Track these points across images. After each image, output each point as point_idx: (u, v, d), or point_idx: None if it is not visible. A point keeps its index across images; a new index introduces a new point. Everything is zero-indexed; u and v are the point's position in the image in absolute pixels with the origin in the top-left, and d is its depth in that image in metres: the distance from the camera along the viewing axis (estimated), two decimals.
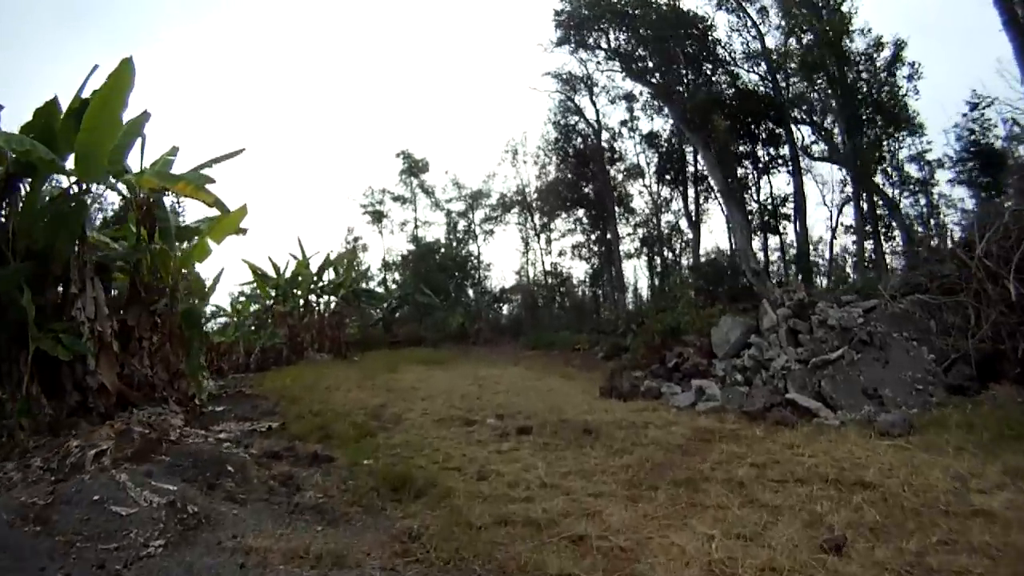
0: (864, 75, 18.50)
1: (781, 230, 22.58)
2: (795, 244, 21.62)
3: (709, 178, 22.13)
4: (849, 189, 20.66)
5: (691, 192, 24.18)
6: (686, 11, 21.00)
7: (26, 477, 4.92)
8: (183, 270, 9.54)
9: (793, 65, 20.15)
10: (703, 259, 22.67)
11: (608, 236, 25.85)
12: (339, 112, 52.07)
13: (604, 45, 22.69)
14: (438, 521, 3.80)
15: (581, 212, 27.24)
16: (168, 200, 21.75)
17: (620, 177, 26.70)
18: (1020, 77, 12.09)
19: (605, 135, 25.96)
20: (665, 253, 26.38)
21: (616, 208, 25.65)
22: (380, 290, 27.73)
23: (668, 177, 25.14)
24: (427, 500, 4.21)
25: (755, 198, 22.47)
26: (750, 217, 21.36)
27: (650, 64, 21.88)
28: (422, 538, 3.56)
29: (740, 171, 22.19)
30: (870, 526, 3.64)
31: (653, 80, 21.83)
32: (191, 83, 51.66)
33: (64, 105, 7.64)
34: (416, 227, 29.78)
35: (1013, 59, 12.01)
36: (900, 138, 18.69)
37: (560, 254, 28.45)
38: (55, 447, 5.61)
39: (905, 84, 18.07)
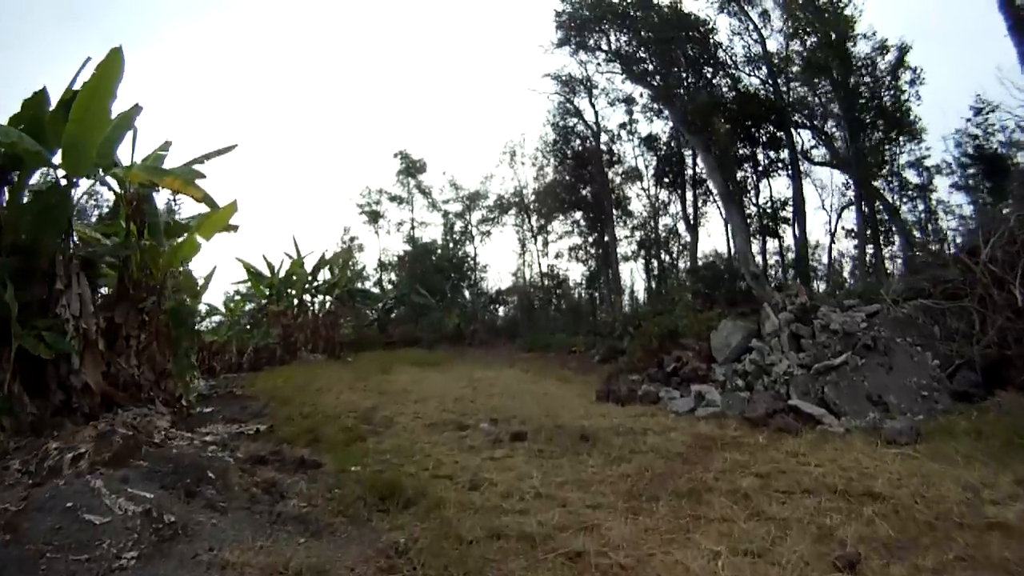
0: (867, 79, 18.40)
1: (780, 234, 22.51)
2: (793, 248, 21.58)
3: (708, 181, 22.06)
4: (849, 194, 20.65)
5: (689, 195, 24.12)
6: (687, 14, 20.99)
7: (2, 480, 4.74)
8: (172, 267, 9.30)
9: (795, 69, 20.11)
10: (701, 262, 22.58)
11: (605, 238, 25.75)
12: (337, 112, 51.94)
13: (605, 47, 22.65)
14: (427, 534, 3.58)
15: (579, 214, 27.21)
16: (165, 197, 21.75)
17: (618, 180, 26.69)
18: None
19: (604, 137, 25.95)
20: (662, 256, 26.32)
21: (614, 211, 25.55)
22: (376, 290, 27.57)
23: (666, 180, 25.09)
24: (416, 511, 3.99)
25: (754, 201, 22.38)
26: (749, 221, 21.25)
27: (650, 67, 21.79)
28: (409, 553, 3.35)
29: (740, 174, 22.09)
30: (883, 541, 3.47)
31: (654, 82, 21.72)
32: (191, 83, 51.52)
33: (57, 98, 7.48)
34: (413, 228, 29.75)
35: (1017, 65, 11.92)
36: (901, 143, 18.64)
37: (557, 256, 28.46)
38: (36, 448, 5.42)
39: (908, 89, 18.08)
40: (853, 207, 21.24)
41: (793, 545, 3.36)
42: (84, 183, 8.14)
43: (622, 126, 25.86)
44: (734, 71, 21.45)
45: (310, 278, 21.47)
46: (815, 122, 20.43)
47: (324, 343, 19.99)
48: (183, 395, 8.82)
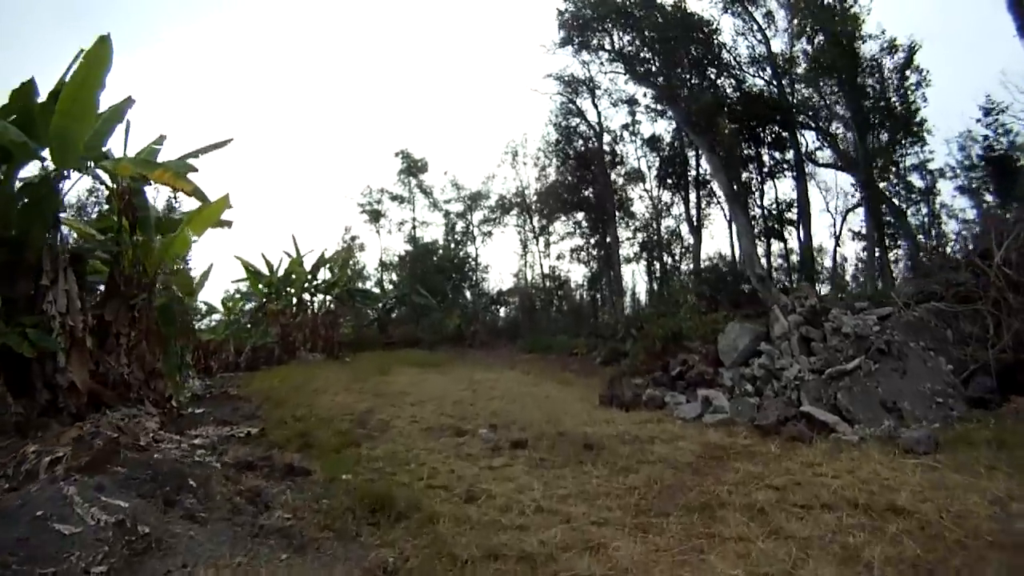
0: (873, 79, 18.15)
1: (785, 236, 22.26)
2: (798, 250, 21.35)
3: (713, 182, 21.83)
4: (853, 197, 20.46)
5: (692, 197, 23.87)
6: (691, 14, 20.70)
7: None
8: (163, 263, 9.05)
9: (799, 70, 19.88)
10: (704, 265, 22.34)
11: (607, 240, 25.50)
12: (339, 111, 51.69)
13: (608, 46, 22.38)
14: (418, 552, 3.32)
15: (580, 215, 26.93)
16: (166, 194, 21.58)
17: (621, 181, 26.40)
18: None
19: (606, 138, 25.70)
20: (664, 258, 26.06)
21: (616, 212, 25.30)
22: (376, 290, 27.36)
23: (669, 181, 24.85)
24: (408, 525, 3.72)
25: (759, 203, 22.14)
26: (753, 223, 21.00)
27: (654, 67, 21.53)
28: (399, 573, 3.09)
29: (744, 175, 21.84)
30: (912, 562, 3.23)
31: (657, 82, 21.49)
32: (192, 82, 51.37)
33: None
34: (414, 227, 29.43)
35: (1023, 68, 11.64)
36: (907, 145, 18.42)
37: (559, 257, 28.15)
38: (17, 450, 5.17)
39: (914, 91, 17.82)
40: (858, 210, 21.15)
41: (817, 568, 3.10)
42: (81, 179, 8.06)
43: (625, 127, 25.71)
44: (738, 72, 21.22)
45: (309, 277, 21.25)
46: (820, 123, 20.16)
47: (323, 343, 19.75)
48: (173, 396, 8.55)
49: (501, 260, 58.40)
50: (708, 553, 3.34)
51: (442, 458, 5.61)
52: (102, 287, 8.78)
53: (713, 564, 3.19)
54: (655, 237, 25.83)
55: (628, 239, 26.50)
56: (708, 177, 22.93)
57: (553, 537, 3.55)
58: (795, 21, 19.37)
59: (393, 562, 3.23)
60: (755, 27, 20.43)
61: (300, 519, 3.86)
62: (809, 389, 7.41)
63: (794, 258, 21.98)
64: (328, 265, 22.23)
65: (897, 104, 17.77)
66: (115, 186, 8.38)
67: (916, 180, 19.37)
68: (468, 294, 29.34)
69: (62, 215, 9.03)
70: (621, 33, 21.85)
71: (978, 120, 15.85)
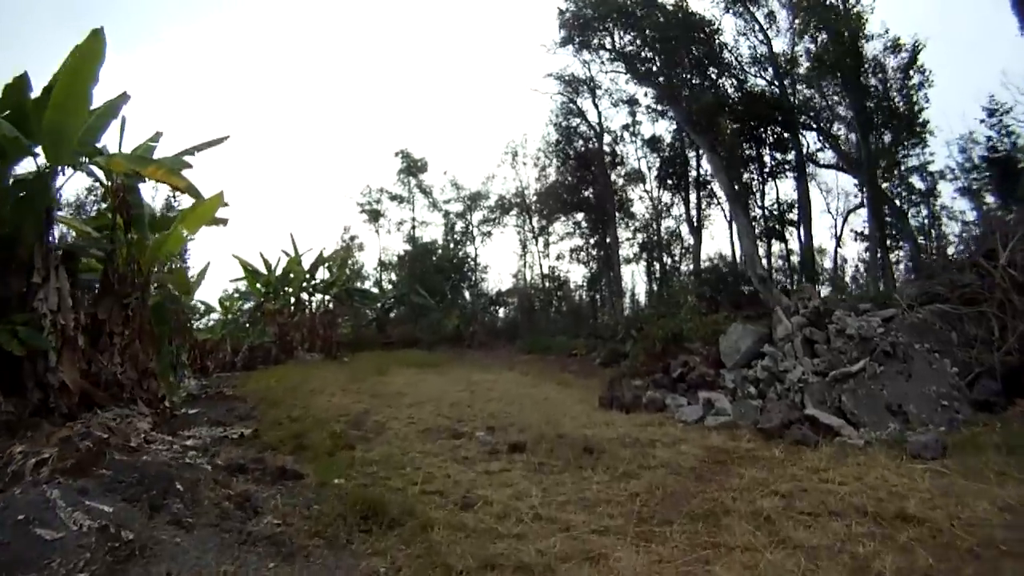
0: (876, 80, 18.05)
1: (786, 237, 22.18)
2: (799, 251, 21.26)
3: (714, 182, 21.75)
4: (855, 198, 20.39)
5: (693, 197, 23.78)
6: (693, 13, 20.61)
7: None
8: (156, 261, 8.93)
9: (801, 71, 19.80)
10: (704, 265, 22.24)
11: (607, 240, 25.41)
12: (339, 110, 51.64)
13: (608, 46, 22.31)
14: (411, 562, 3.18)
15: (580, 216, 26.86)
16: (165, 193, 21.45)
17: (621, 181, 26.34)
18: None
19: (607, 138, 25.65)
20: (664, 259, 25.98)
21: (616, 212, 25.21)
22: (375, 290, 27.21)
23: (670, 182, 24.77)
24: (401, 533, 3.57)
25: (759, 204, 22.05)
26: (754, 223, 20.91)
27: (655, 67, 21.44)
28: None
29: (745, 176, 21.74)
30: (924, 572, 3.12)
31: (658, 82, 21.38)
32: (192, 81, 51.26)
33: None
34: (413, 227, 29.33)
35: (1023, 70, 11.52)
36: (909, 146, 18.35)
37: (558, 258, 28.06)
38: (5, 451, 5.05)
39: (916, 92, 17.73)
40: (859, 211, 21.10)
41: None
42: (77, 176, 7.95)
43: (625, 127, 25.68)
44: (739, 72, 21.13)
45: (308, 276, 21.11)
46: (822, 124, 20.07)
47: (321, 343, 19.63)
48: (166, 396, 8.42)
49: (500, 260, 58.37)
50: (714, 564, 3.20)
51: (438, 462, 5.47)
52: (99, 285, 8.69)
53: None
54: (655, 238, 25.79)
55: (628, 240, 26.52)
56: (708, 177, 22.89)
57: (552, 546, 3.41)
58: (798, 20, 19.26)
59: (385, 572, 3.10)
60: (756, 27, 20.38)
61: (290, 525, 3.72)
62: (813, 392, 7.29)
63: (794, 259, 21.95)
64: (327, 264, 22.12)
65: (901, 104, 17.68)
66: (109, 183, 8.28)
67: (916, 182, 19.41)
68: (467, 294, 29.18)
69: (59, 213, 8.95)
70: (622, 32, 21.80)
71: (982, 121, 15.76)
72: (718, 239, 49.47)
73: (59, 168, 7.59)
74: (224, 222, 8.99)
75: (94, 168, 8.28)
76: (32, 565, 3.17)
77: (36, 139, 7.12)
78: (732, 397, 8.42)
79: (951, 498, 4.15)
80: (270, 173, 49.78)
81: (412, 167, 28.90)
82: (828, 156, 20.77)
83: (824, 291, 19.52)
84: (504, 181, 29.31)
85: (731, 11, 20.55)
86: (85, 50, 6.82)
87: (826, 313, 8.68)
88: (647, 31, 20.82)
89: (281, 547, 3.41)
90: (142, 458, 5.04)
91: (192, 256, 21.92)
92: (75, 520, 3.67)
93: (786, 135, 20.39)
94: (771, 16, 20.14)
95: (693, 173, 23.80)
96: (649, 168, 25.59)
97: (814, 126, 20.13)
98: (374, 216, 29.03)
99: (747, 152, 21.48)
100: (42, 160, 7.33)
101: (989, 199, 16.65)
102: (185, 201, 18.02)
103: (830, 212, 22.62)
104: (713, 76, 21.18)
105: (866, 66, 17.74)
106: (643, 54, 21.57)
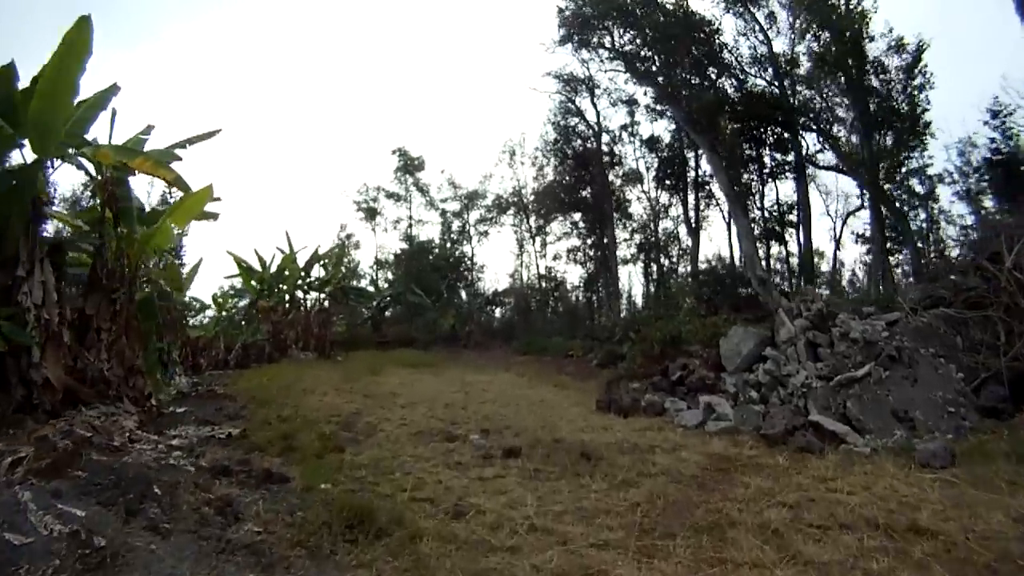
0: (879, 80, 17.92)
1: (786, 238, 22.05)
2: (797, 253, 21.16)
3: (713, 182, 21.65)
4: (855, 199, 20.29)
5: (691, 198, 23.66)
6: (693, 13, 20.49)
7: None
8: (146, 256, 8.72)
9: (802, 71, 19.66)
10: (702, 267, 22.12)
11: (604, 241, 25.27)
12: (336, 108, 51.35)
13: (608, 45, 22.18)
14: (398, 575, 2.99)
15: (578, 216, 26.76)
16: (160, 188, 21.23)
17: (619, 181, 26.24)
18: None
19: (605, 138, 25.57)
20: (662, 260, 25.85)
21: (614, 212, 25.09)
22: (370, 288, 27.00)
23: (668, 183, 24.65)
24: (388, 543, 3.37)
25: (759, 205, 21.93)
26: (753, 224, 20.78)
27: (654, 66, 21.30)
28: None
29: (745, 176, 21.62)
30: None
31: (658, 81, 21.24)
32: (191, 80, 50.91)
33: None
34: (410, 226, 29.20)
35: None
36: (911, 148, 18.24)
37: (555, 258, 28.00)
38: None
39: (918, 93, 17.62)
40: (859, 213, 21.03)
41: None
42: (68, 168, 7.75)
43: (624, 127, 25.61)
44: (739, 72, 21.00)
45: (302, 274, 20.92)
46: (822, 125, 19.95)
47: (315, 341, 19.44)
48: (153, 394, 8.21)
49: (497, 260, 58.17)
50: None
51: (429, 466, 5.27)
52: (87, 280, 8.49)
53: None
54: (653, 238, 25.66)
55: (625, 240, 26.42)
56: (707, 178, 22.81)
57: (548, 561, 3.20)
58: (800, 19, 19.14)
59: None
60: (757, 27, 20.27)
61: (271, 533, 3.51)
62: (817, 397, 7.11)
63: (793, 261, 21.87)
64: (322, 262, 21.93)
65: (904, 105, 17.55)
66: (98, 175, 8.09)
67: (915, 185, 19.39)
68: (463, 294, 29.09)
69: (54, 208, 8.74)
70: (621, 31, 21.69)
71: (985, 123, 15.64)
72: (716, 241, 49.49)
73: (47, 160, 7.43)
74: (215, 216, 8.81)
75: (83, 160, 8.10)
76: (1, 570, 2.98)
77: (23, 131, 6.97)
78: (733, 401, 8.24)
79: (963, 509, 3.99)
80: (268, 170, 49.53)
81: (409, 165, 28.76)
82: (828, 158, 20.69)
83: (824, 294, 19.41)
84: (501, 180, 29.28)
85: (731, 11, 20.45)
86: (72, 39, 6.64)
87: (829, 316, 8.50)
88: (647, 30, 20.70)
89: (261, 557, 3.20)
90: (122, 459, 4.83)
91: (187, 252, 21.73)
92: (46, 524, 3.47)
93: (786, 136, 20.28)
94: (771, 16, 20.07)
95: (691, 174, 23.75)
96: (647, 168, 25.58)
97: (814, 127, 20.01)
98: (370, 214, 28.86)
99: (747, 153, 21.39)
100: (29, 152, 7.17)
101: (988, 203, 16.63)
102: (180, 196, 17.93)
103: (829, 215, 22.66)
104: (713, 76, 21.06)
105: (868, 66, 17.60)
106: (643, 53, 21.46)
